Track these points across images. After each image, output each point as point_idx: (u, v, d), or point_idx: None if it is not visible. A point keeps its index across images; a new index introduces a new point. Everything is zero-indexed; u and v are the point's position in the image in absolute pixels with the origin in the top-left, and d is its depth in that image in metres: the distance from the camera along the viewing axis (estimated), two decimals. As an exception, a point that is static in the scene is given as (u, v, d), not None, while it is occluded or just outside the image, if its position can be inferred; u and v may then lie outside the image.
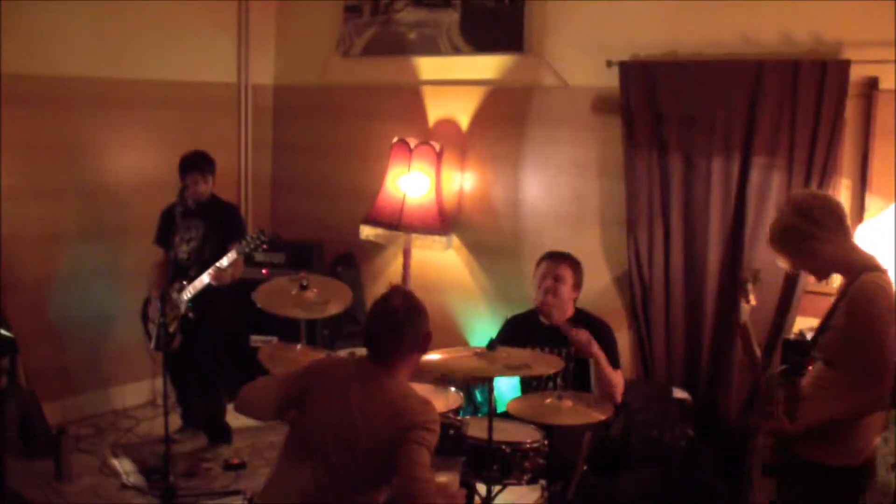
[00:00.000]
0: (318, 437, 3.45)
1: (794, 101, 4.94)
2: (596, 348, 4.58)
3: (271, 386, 3.73)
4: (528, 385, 4.88)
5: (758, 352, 3.87)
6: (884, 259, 3.86)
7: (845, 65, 4.80)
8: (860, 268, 3.46)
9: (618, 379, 4.71)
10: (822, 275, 3.64)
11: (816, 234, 3.50)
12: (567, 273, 4.85)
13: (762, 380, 3.76)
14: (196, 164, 5.81)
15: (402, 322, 3.64)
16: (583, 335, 4.58)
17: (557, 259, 4.91)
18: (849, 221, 3.57)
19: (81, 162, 6.37)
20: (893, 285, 3.47)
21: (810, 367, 3.63)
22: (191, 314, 5.68)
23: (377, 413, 3.42)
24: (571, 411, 4.14)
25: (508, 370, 4.13)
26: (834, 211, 3.54)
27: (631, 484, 4.72)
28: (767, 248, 4.82)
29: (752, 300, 3.80)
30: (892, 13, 4.68)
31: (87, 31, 6.26)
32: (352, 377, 3.55)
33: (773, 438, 3.67)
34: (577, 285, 4.90)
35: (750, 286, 3.80)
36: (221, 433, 6.14)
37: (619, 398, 4.71)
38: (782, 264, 3.67)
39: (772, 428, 3.64)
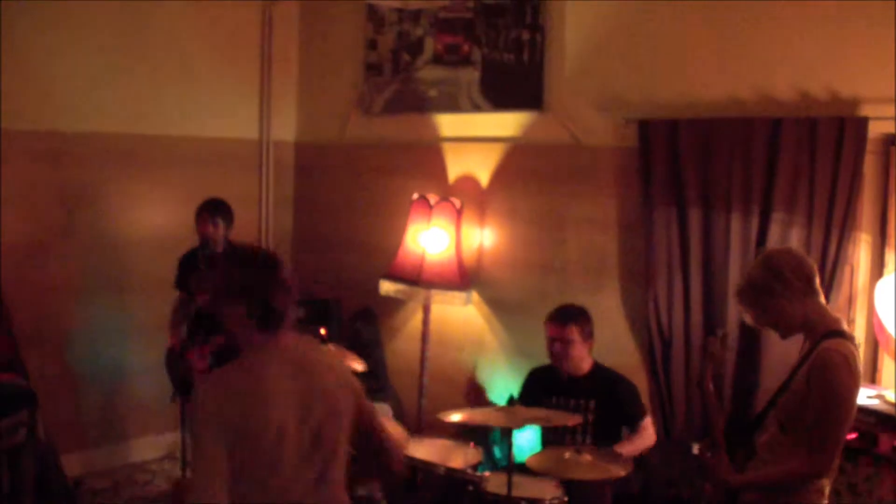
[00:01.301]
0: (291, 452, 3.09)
1: (813, 158, 4.94)
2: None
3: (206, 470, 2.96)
4: (547, 439, 4.87)
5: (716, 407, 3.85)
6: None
7: (863, 122, 4.81)
8: (825, 331, 3.45)
9: (642, 440, 4.75)
10: (786, 333, 3.62)
11: (783, 293, 3.50)
12: (573, 333, 4.92)
13: (716, 437, 3.72)
14: (213, 208, 5.91)
15: (287, 274, 3.22)
16: None
17: (561, 321, 4.96)
18: (818, 282, 3.55)
19: (102, 217, 6.44)
20: (856, 353, 3.45)
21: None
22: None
23: (327, 383, 3.23)
24: (590, 466, 4.12)
25: (527, 421, 4.10)
26: (804, 271, 3.54)
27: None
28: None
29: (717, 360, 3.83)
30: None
31: (109, 86, 6.37)
32: (280, 371, 3.11)
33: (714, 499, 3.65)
34: (588, 337, 4.94)
35: (717, 348, 3.82)
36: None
37: (654, 439, 4.88)
38: (748, 320, 3.67)
39: (712, 474, 3.62)
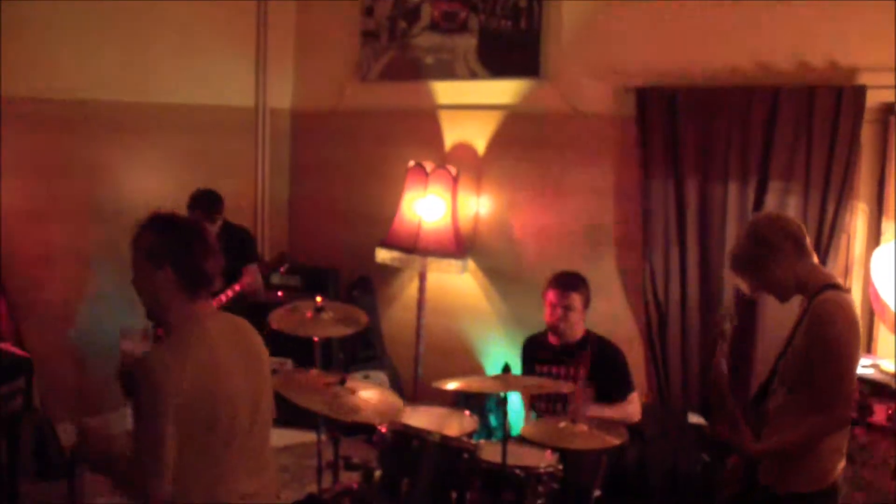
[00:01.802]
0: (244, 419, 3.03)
1: (810, 127, 4.93)
2: (592, 412, 4.54)
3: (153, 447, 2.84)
4: (538, 408, 4.88)
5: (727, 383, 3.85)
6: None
7: (861, 91, 4.80)
8: (819, 287, 3.44)
9: (623, 411, 4.75)
10: (783, 297, 3.61)
11: (772, 258, 3.49)
12: (576, 301, 4.90)
13: (731, 410, 3.72)
14: (200, 203, 5.84)
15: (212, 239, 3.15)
16: (573, 411, 4.52)
17: (565, 287, 4.93)
18: (808, 241, 3.54)
19: (99, 185, 6.40)
20: (852, 303, 3.46)
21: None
22: None
23: (259, 346, 3.20)
24: (586, 436, 4.12)
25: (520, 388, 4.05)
26: (791, 233, 3.52)
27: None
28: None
29: (727, 336, 3.82)
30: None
31: (105, 55, 6.31)
32: (225, 339, 3.06)
33: (738, 468, 3.65)
34: (587, 304, 4.94)
35: (727, 326, 3.81)
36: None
37: (636, 417, 4.78)
38: (744, 288, 3.66)
39: (735, 443, 3.63)
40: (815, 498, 3.47)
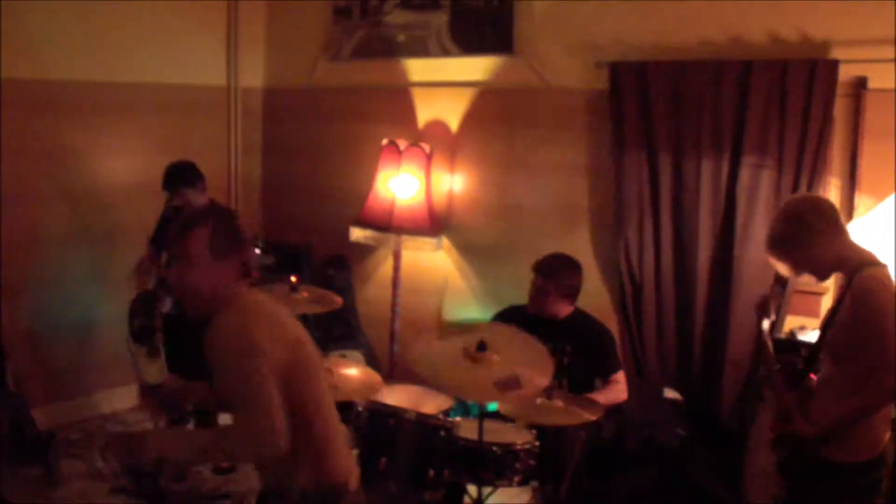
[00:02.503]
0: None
1: (783, 101, 4.94)
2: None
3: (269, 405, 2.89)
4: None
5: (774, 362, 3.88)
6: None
7: (833, 64, 4.80)
8: (858, 264, 3.49)
9: (613, 393, 4.78)
10: (823, 276, 3.66)
11: (809, 239, 3.53)
12: (548, 287, 4.92)
13: (781, 388, 3.75)
14: (185, 178, 5.77)
15: None
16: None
17: (545, 275, 4.96)
18: (843, 219, 3.58)
19: (70, 166, 6.34)
20: (893, 279, 3.48)
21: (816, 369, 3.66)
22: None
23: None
24: (562, 411, 4.14)
25: (496, 389, 3.86)
26: (825, 212, 3.56)
27: (625, 485, 4.73)
28: (756, 246, 4.90)
29: (772, 316, 3.85)
30: (880, 12, 4.69)
31: (75, 34, 6.23)
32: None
33: (787, 435, 3.68)
34: (568, 292, 4.95)
35: (772, 303, 3.84)
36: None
37: (624, 395, 4.88)
38: (783, 271, 3.69)
39: (792, 432, 3.65)
40: (866, 466, 3.52)
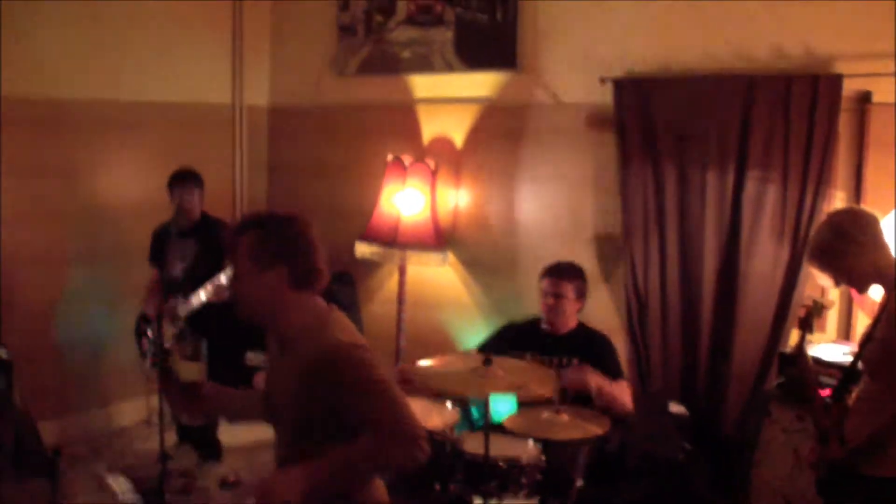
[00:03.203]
0: None
1: (788, 115, 4.96)
2: (591, 378, 4.58)
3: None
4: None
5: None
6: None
7: (837, 79, 4.82)
8: None
9: (621, 391, 4.76)
10: (862, 287, 3.68)
11: (852, 251, 3.55)
12: (568, 289, 4.92)
13: (822, 414, 3.74)
14: (183, 177, 5.85)
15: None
16: (573, 375, 4.57)
17: (557, 275, 4.95)
18: (883, 235, 3.59)
19: (78, 184, 6.36)
20: None
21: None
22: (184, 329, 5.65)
23: None
24: (569, 425, 4.13)
25: (503, 388, 3.99)
26: (868, 225, 3.59)
27: (628, 498, 4.71)
28: (762, 260, 4.90)
29: (814, 330, 3.86)
30: (883, 27, 4.71)
31: (81, 53, 6.26)
32: None
33: (826, 453, 3.67)
34: (580, 296, 4.95)
35: (815, 319, 3.84)
36: (212, 450, 6.12)
37: (630, 406, 4.79)
38: (825, 283, 3.72)
39: (826, 458, 3.65)
40: None
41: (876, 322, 3.60)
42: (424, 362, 4.11)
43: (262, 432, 3.68)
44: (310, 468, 2.84)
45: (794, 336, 4.99)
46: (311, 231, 3.14)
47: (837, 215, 3.73)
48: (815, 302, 3.93)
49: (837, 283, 3.73)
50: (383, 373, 2.92)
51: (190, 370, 3.29)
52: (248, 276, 3.02)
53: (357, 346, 2.99)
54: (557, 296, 4.90)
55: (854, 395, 3.65)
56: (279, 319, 3.06)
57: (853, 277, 3.62)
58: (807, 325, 3.85)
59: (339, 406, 2.89)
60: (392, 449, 2.86)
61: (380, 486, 3.15)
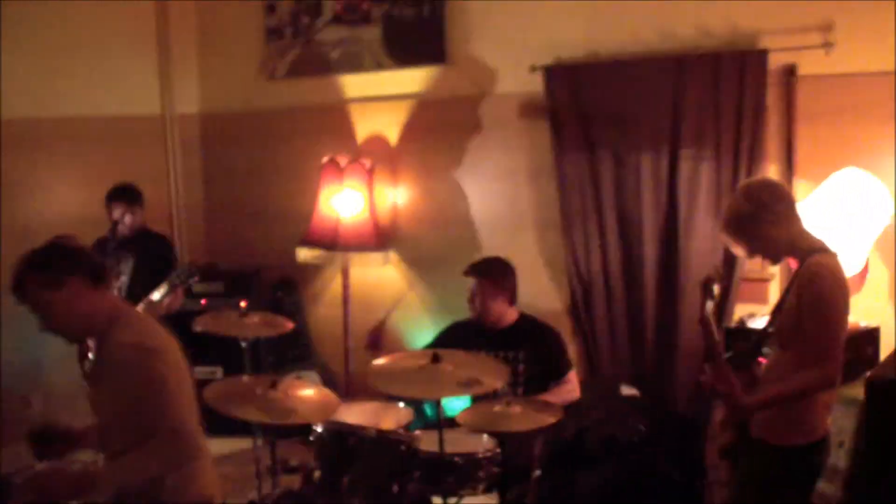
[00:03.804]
0: None
1: (717, 94, 5.02)
2: None
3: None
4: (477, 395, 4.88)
5: (718, 340, 3.89)
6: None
7: (763, 55, 4.89)
8: (809, 250, 3.52)
9: (567, 391, 4.81)
10: (775, 259, 3.69)
11: (766, 219, 3.54)
12: (483, 286, 4.93)
13: (722, 365, 3.75)
14: (120, 195, 5.75)
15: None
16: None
17: (473, 273, 5.04)
18: (797, 208, 3.62)
19: (7, 204, 6.24)
20: (841, 266, 3.51)
21: (764, 353, 3.68)
22: None
23: None
24: (521, 417, 4.12)
25: (458, 388, 3.95)
26: (783, 196, 3.60)
27: (589, 483, 4.73)
28: (701, 237, 4.94)
29: (716, 296, 3.86)
30: (807, 1, 4.78)
31: (3, 71, 6.15)
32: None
33: (729, 421, 3.70)
34: (501, 289, 4.96)
35: (715, 285, 3.85)
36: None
37: (576, 395, 4.91)
38: (737, 252, 3.72)
39: (727, 401, 3.66)
40: (807, 450, 3.53)
41: (785, 293, 3.62)
42: (376, 362, 4.10)
43: (216, 446, 3.64)
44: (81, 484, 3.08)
45: (737, 311, 5.07)
46: (73, 240, 3.34)
47: (752, 185, 3.71)
48: (715, 269, 3.96)
49: (751, 254, 3.71)
50: (164, 375, 3.04)
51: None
52: (50, 305, 3.19)
53: (164, 350, 3.13)
54: (475, 293, 4.94)
55: (766, 362, 3.68)
56: (94, 326, 3.22)
57: (767, 248, 3.62)
58: (706, 292, 3.86)
59: (122, 409, 3.07)
60: (160, 458, 3.05)
61: (208, 474, 3.24)
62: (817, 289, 3.42)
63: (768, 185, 3.69)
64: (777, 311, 3.66)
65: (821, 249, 3.53)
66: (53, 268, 3.15)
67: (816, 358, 3.42)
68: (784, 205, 3.58)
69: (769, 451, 3.57)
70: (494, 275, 4.99)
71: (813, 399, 3.50)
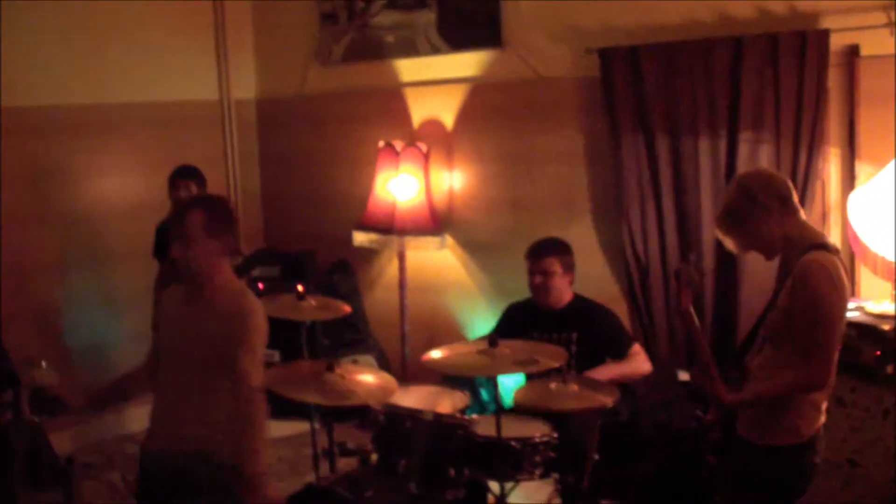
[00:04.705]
0: None
1: (776, 75, 4.93)
2: (600, 378, 4.57)
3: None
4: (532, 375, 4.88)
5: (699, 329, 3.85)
6: (881, 224, 3.83)
7: (824, 34, 4.79)
8: (806, 245, 3.44)
9: (635, 363, 4.87)
10: (769, 254, 3.60)
11: (759, 214, 3.47)
12: (553, 264, 4.92)
13: (705, 359, 3.71)
14: (191, 173, 5.85)
15: None
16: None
17: (539, 254, 4.97)
18: (795, 199, 3.53)
19: (69, 190, 6.36)
20: (838, 264, 3.41)
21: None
22: None
23: None
24: (577, 396, 4.12)
25: (515, 366, 4.03)
26: (777, 190, 3.50)
27: (644, 469, 4.71)
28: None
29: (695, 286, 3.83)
30: (868, -21, 4.70)
31: (65, 59, 6.25)
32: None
33: (718, 418, 3.67)
34: (568, 269, 4.95)
35: (694, 274, 3.81)
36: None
37: (648, 367, 4.95)
38: (729, 246, 3.64)
39: (710, 397, 3.63)
40: (793, 451, 3.47)
41: (778, 289, 3.55)
42: (435, 353, 4.11)
43: (273, 429, 3.72)
44: None
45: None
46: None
47: (746, 177, 3.63)
48: (692, 258, 3.92)
49: (744, 250, 3.63)
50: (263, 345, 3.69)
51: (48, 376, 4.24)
52: (197, 243, 3.69)
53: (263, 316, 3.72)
54: (544, 273, 4.91)
55: (757, 359, 3.62)
56: (212, 277, 3.75)
57: (759, 243, 3.54)
58: (683, 282, 3.80)
59: (234, 350, 3.60)
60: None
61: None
62: (811, 288, 3.33)
63: (763, 178, 3.59)
64: (769, 308, 3.60)
65: (818, 246, 3.44)
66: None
67: (805, 361, 3.36)
68: (778, 199, 3.48)
69: (753, 450, 3.52)
70: (562, 253, 4.98)
71: (799, 400, 3.44)
